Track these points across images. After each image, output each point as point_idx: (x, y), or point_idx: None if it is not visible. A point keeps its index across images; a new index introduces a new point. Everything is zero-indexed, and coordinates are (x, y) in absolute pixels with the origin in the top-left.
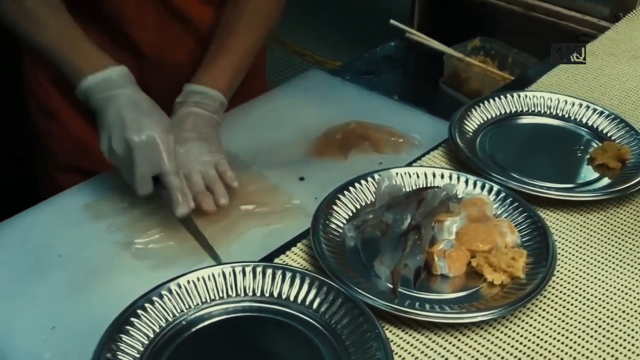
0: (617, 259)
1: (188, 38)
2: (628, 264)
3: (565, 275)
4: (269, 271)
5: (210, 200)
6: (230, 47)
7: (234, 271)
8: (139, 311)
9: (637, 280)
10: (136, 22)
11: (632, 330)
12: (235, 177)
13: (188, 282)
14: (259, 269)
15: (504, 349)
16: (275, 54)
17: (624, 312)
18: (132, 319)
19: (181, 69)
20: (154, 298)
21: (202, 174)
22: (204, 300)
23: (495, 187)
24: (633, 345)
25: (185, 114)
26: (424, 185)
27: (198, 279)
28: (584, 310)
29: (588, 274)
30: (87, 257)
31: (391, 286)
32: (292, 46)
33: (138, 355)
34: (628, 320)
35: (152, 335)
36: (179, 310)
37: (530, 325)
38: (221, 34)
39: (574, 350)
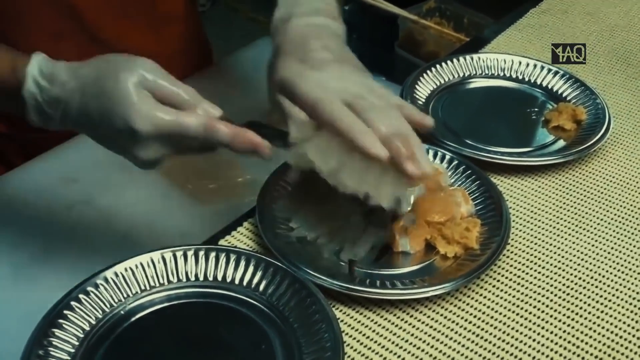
0: (572, 223)
1: (158, 27)
2: (584, 229)
3: (520, 243)
4: (212, 254)
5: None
6: None
7: (174, 256)
8: (73, 303)
9: (592, 245)
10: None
11: (588, 297)
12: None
13: (125, 269)
14: (201, 253)
15: (457, 323)
16: (227, 21)
17: (580, 278)
18: (65, 311)
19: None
20: (89, 288)
21: None
22: (143, 288)
23: (448, 155)
24: (589, 313)
25: (302, 28)
26: None
27: (136, 266)
28: (538, 279)
29: (543, 241)
30: (29, 240)
31: (342, 263)
32: (246, 12)
33: (73, 350)
34: (584, 288)
35: (87, 328)
36: (116, 300)
37: (485, 297)
38: None
39: (529, 320)
